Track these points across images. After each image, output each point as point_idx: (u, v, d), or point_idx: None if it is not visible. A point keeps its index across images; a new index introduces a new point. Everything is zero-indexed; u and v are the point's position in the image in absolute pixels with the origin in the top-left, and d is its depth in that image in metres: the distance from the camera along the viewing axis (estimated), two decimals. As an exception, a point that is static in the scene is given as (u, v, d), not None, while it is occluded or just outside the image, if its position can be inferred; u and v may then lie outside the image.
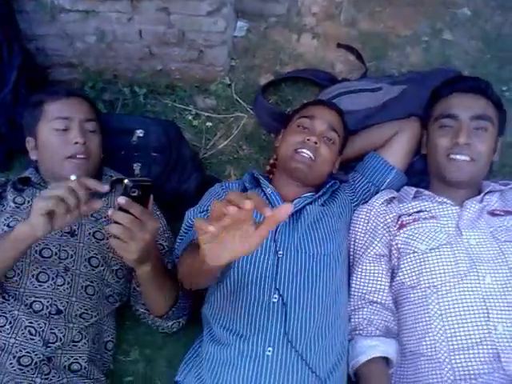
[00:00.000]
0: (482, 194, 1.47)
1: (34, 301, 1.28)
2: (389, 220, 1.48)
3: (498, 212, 1.44)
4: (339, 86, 1.89)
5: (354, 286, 1.46)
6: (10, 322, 1.24)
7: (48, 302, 1.29)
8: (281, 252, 1.34)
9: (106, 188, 1.04)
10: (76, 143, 1.40)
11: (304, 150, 1.47)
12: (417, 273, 1.37)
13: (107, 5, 1.77)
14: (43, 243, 1.33)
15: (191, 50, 1.90)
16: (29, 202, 1.39)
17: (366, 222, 1.50)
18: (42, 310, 1.28)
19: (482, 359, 1.22)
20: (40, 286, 1.30)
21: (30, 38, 1.85)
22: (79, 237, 1.39)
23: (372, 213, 1.50)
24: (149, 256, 1.12)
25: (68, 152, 1.40)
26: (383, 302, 1.41)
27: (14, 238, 1.09)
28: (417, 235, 1.40)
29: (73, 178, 1.04)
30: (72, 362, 1.32)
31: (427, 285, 1.34)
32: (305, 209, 1.44)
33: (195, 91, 1.98)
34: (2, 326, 1.24)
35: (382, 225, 1.49)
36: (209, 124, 1.93)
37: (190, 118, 1.94)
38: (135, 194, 1.00)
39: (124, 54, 1.92)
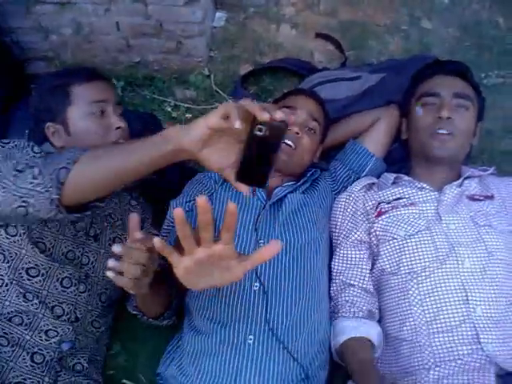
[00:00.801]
0: (461, 179, 1.48)
1: (56, 305, 1.26)
2: (368, 207, 1.49)
3: (478, 197, 1.45)
4: (319, 75, 1.89)
5: (335, 271, 1.47)
6: (31, 322, 1.22)
7: (69, 308, 1.28)
8: (262, 241, 1.34)
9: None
10: (118, 128, 1.34)
11: (285, 140, 1.47)
12: (396, 259, 1.38)
13: (83, -4, 1.75)
14: (70, 244, 1.29)
15: (169, 41, 1.89)
16: None
17: (345, 208, 1.51)
18: (63, 315, 1.27)
19: (462, 341, 1.24)
20: (63, 291, 1.27)
21: (5, 31, 1.82)
22: (101, 242, 1.37)
23: (351, 198, 1.51)
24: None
25: (113, 137, 1.33)
26: (365, 286, 1.42)
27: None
28: (395, 222, 1.40)
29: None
30: (76, 363, 1.32)
31: (407, 271, 1.35)
32: (286, 197, 1.44)
33: (174, 82, 1.97)
34: (19, 324, 1.21)
35: (361, 211, 1.49)
36: (188, 115, 1.92)
37: (169, 109, 1.92)
38: (261, 134, 0.81)
39: (101, 46, 1.90)
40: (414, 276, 1.33)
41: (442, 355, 1.25)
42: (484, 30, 2.17)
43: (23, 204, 1.00)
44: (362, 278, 1.43)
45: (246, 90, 1.94)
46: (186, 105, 1.93)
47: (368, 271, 1.44)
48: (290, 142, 1.46)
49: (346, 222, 1.49)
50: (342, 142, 1.70)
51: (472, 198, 1.45)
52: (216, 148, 0.84)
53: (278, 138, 0.82)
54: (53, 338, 1.25)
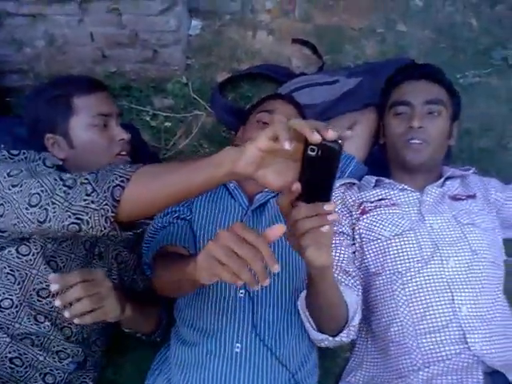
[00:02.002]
0: (442, 179, 1.48)
1: (65, 326, 1.23)
2: (348, 204, 1.48)
3: (460, 196, 1.46)
4: (297, 81, 1.89)
5: None
6: (42, 343, 1.20)
7: (77, 328, 1.25)
8: (246, 246, 1.32)
9: None
10: (121, 140, 1.34)
11: None
12: (381, 259, 1.37)
13: (54, 8, 1.72)
14: (80, 263, 1.26)
15: (145, 50, 1.88)
16: None
17: None
18: (71, 336, 1.25)
19: (449, 341, 1.24)
20: None
21: (-24, 44, 1.80)
22: (105, 260, 1.34)
23: None
24: (124, 297, 1.11)
25: (116, 149, 1.33)
26: (343, 266, 1.36)
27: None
28: (380, 221, 1.40)
29: None
30: (81, 382, 1.32)
31: (392, 271, 1.35)
32: (268, 202, 1.43)
33: (152, 91, 1.95)
34: (32, 345, 1.19)
35: (340, 205, 1.48)
36: (167, 124, 1.91)
37: (148, 118, 1.90)
38: (313, 154, 0.77)
39: (76, 57, 1.88)
40: (399, 276, 1.33)
41: (430, 356, 1.24)
42: (458, 31, 2.19)
43: (77, 221, 0.98)
44: (341, 259, 1.38)
45: (225, 97, 1.94)
46: (164, 113, 1.92)
47: (347, 255, 1.39)
48: None
49: None
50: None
51: (454, 198, 1.45)
52: (272, 168, 0.83)
53: (333, 158, 0.78)
54: (65, 359, 1.23)
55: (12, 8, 1.70)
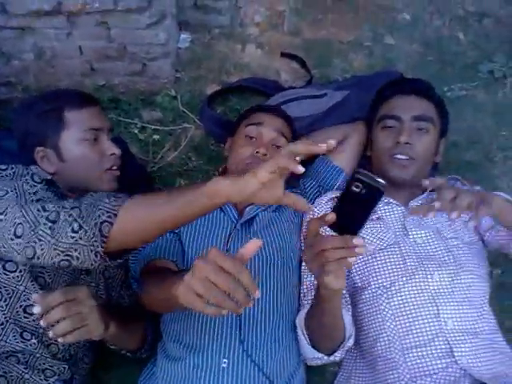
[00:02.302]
0: (426, 193, 1.48)
1: (52, 343, 1.22)
2: None
3: None
4: (285, 94, 1.90)
5: (302, 276, 1.43)
6: (27, 361, 1.18)
7: (64, 346, 1.24)
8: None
9: None
10: (112, 154, 1.34)
11: (254, 165, 1.45)
12: (366, 274, 1.37)
13: (43, 21, 1.72)
14: (67, 279, 1.25)
15: (134, 63, 1.88)
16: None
17: (312, 216, 1.49)
18: (58, 353, 1.24)
19: (436, 355, 1.24)
20: None
21: (-36, 57, 1.79)
22: (93, 275, 1.33)
23: (317, 208, 1.50)
24: (108, 315, 1.11)
25: (107, 164, 1.33)
26: None
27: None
28: (364, 236, 1.40)
29: None
30: None
31: (377, 285, 1.35)
32: (257, 215, 1.43)
33: (140, 104, 1.95)
34: (17, 363, 1.17)
35: None
36: (156, 137, 1.90)
37: (136, 131, 1.90)
38: (357, 191, 0.81)
39: (65, 70, 1.88)
40: (384, 291, 1.33)
41: (416, 370, 1.24)
42: (445, 45, 2.22)
43: (66, 258, 0.99)
44: None
45: (213, 109, 1.94)
46: (153, 126, 1.92)
47: None
48: None
49: None
50: (310, 155, 1.69)
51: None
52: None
53: (375, 197, 0.81)
54: (51, 377, 1.21)
55: (1, 21, 1.70)
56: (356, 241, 0.85)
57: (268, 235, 1.41)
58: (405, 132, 1.44)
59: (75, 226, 0.97)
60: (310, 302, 1.34)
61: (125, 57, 1.85)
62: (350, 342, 1.25)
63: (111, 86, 1.94)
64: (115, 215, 0.97)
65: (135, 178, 1.66)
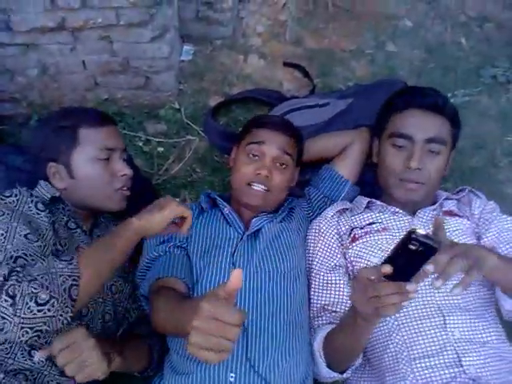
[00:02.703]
0: (437, 204, 1.46)
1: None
2: (341, 232, 1.47)
3: (456, 212, 1.45)
4: (288, 104, 1.91)
5: (313, 297, 1.43)
6: (35, 379, 1.18)
7: None
8: (240, 272, 1.32)
9: None
10: (123, 175, 1.35)
11: (256, 185, 1.43)
12: None
13: (47, 37, 1.75)
14: None
15: (137, 76, 1.90)
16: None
17: (318, 233, 1.48)
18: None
19: (444, 365, 1.22)
20: None
21: (-31, 74, 1.81)
22: (101, 292, 1.33)
23: (323, 223, 1.49)
24: (110, 346, 1.13)
25: (118, 184, 1.33)
26: (342, 311, 1.38)
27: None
28: (369, 248, 1.39)
29: None
30: None
31: None
32: (263, 227, 1.42)
33: (144, 117, 1.96)
34: (25, 380, 1.16)
35: (336, 236, 1.47)
36: (160, 149, 1.92)
37: (141, 144, 1.91)
38: (414, 249, 0.83)
39: (68, 85, 1.90)
40: None
41: (424, 381, 1.23)
42: (448, 50, 2.22)
43: (36, 334, 0.98)
44: (342, 304, 1.40)
45: (217, 121, 1.95)
46: (157, 139, 1.93)
47: (345, 295, 1.41)
48: (262, 187, 1.43)
49: (319, 246, 1.46)
50: (314, 158, 1.69)
51: (449, 213, 1.44)
52: None
53: (429, 255, 0.85)
54: None
55: (5, 38, 1.72)
56: (410, 287, 0.91)
57: (275, 247, 1.41)
58: (416, 156, 1.38)
59: (42, 296, 0.96)
60: (325, 324, 1.35)
61: (128, 71, 1.87)
62: (360, 361, 1.27)
63: (115, 99, 1.96)
64: (79, 277, 1.02)
65: (140, 191, 1.67)
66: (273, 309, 1.30)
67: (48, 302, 0.96)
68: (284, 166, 1.48)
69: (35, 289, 0.96)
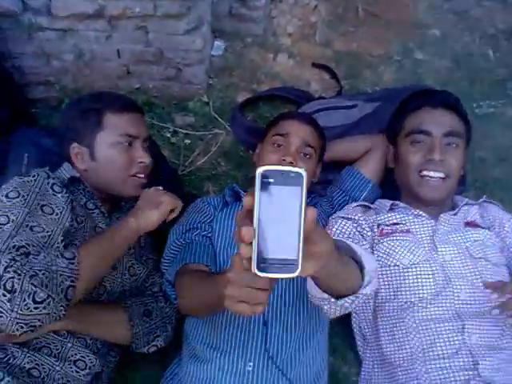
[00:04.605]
0: (457, 209, 1.48)
1: (80, 337, 1.24)
2: (369, 221, 1.47)
3: (477, 223, 1.46)
4: (315, 103, 1.93)
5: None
6: (59, 352, 1.20)
7: (91, 339, 1.27)
8: (261, 266, 1.34)
9: None
10: (141, 162, 1.36)
11: None
12: (395, 287, 1.37)
13: (85, 23, 1.78)
14: None
15: (169, 68, 1.92)
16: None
17: (343, 223, 1.46)
18: (88, 346, 1.26)
19: (458, 367, 1.23)
20: None
21: (6, 56, 1.84)
22: (118, 270, 1.36)
23: (344, 213, 1.49)
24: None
25: (133, 170, 1.35)
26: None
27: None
28: (399, 248, 1.39)
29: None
30: None
31: (404, 300, 1.34)
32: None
33: (173, 109, 1.99)
34: (49, 355, 1.19)
35: (357, 225, 1.46)
36: (187, 141, 1.94)
37: (169, 135, 1.94)
38: None
39: (102, 72, 1.93)
40: (411, 306, 1.33)
41: (438, 381, 1.24)
42: (475, 61, 2.24)
43: (30, 328, 1.01)
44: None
45: (244, 116, 1.97)
46: (184, 131, 1.95)
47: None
48: None
49: (336, 227, 1.45)
50: (335, 160, 1.71)
51: (471, 224, 1.45)
52: None
53: None
54: (82, 370, 1.23)
55: (45, 22, 1.76)
56: None
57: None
58: (437, 149, 1.41)
59: (42, 295, 0.98)
60: None
61: (161, 61, 1.90)
62: (367, 291, 0.99)
63: (146, 89, 1.98)
64: (77, 278, 1.06)
65: (168, 180, 1.70)
66: (292, 302, 1.32)
67: (45, 300, 0.99)
68: (308, 157, 1.51)
69: (35, 286, 0.98)
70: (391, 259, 1.39)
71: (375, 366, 1.42)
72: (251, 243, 0.64)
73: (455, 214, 1.47)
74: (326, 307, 1.02)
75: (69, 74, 1.92)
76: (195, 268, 1.31)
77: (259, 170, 0.61)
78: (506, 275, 1.41)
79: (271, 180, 0.61)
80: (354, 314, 1.48)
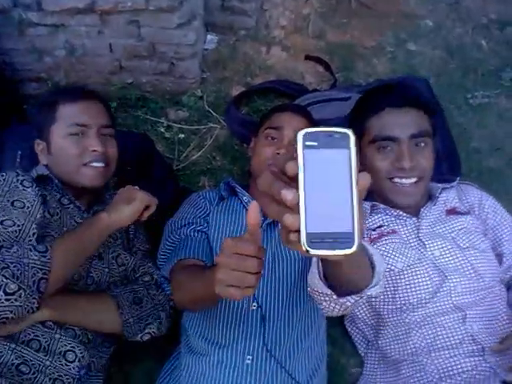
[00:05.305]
0: (435, 199, 1.46)
1: (68, 328, 1.23)
2: None
3: (458, 210, 1.45)
4: (310, 96, 1.92)
5: None
6: (49, 345, 1.19)
7: (80, 330, 1.25)
8: (258, 259, 1.34)
9: None
10: (94, 151, 1.33)
11: (275, 165, 1.45)
12: (392, 290, 1.36)
13: (76, 19, 1.76)
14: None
15: (162, 62, 1.91)
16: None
17: None
18: (77, 337, 1.24)
19: (464, 355, 1.24)
20: None
21: (-2, 52, 1.83)
22: (105, 260, 1.35)
23: None
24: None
25: (85, 159, 1.32)
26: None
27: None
28: (391, 252, 1.37)
29: None
30: None
31: (403, 302, 1.34)
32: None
33: (167, 103, 1.98)
34: (38, 350, 1.18)
35: None
36: (181, 136, 1.93)
37: (162, 130, 1.93)
38: None
39: (94, 67, 1.91)
40: (410, 307, 1.33)
41: (445, 370, 1.25)
42: (468, 52, 2.24)
43: (2, 320, 1.02)
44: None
45: (238, 110, 1.96)
46: (178, 125, 1.95)
47: None
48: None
49: None
50: None
51: (452, 212, 1.44)
52: None
53: None
54: (72, 362, 1.22)
55: (36, 18, 1.74)
56: None
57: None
58: (406, 156, 1.34)
59: (12, 287, 1.01)
60: None
61: (154, 56, 1.89)
62: (373, 291, 0.92)
63: (139, 84, 1.97)
64: (49, 271, 1.07)
65: (163, 175, 1.69)
66: (290, 295, 1.32)
67: (16, 292, 1.01)
68: None
69: (6, 278, 1.00)
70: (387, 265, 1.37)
71: (380, 363, 1.42)
72: (297, 213, 0.56)
73: (435, 205, 1.45)
74: (325, 304, 0.99)
75: (61, 69, 1.91)
76: (191, 263, 1.31)
77: (301, 132, 0.55)
78: (494, 260, 1.40)
79: (314, 143, 0.55)
80: (350, 318, 1.50)
